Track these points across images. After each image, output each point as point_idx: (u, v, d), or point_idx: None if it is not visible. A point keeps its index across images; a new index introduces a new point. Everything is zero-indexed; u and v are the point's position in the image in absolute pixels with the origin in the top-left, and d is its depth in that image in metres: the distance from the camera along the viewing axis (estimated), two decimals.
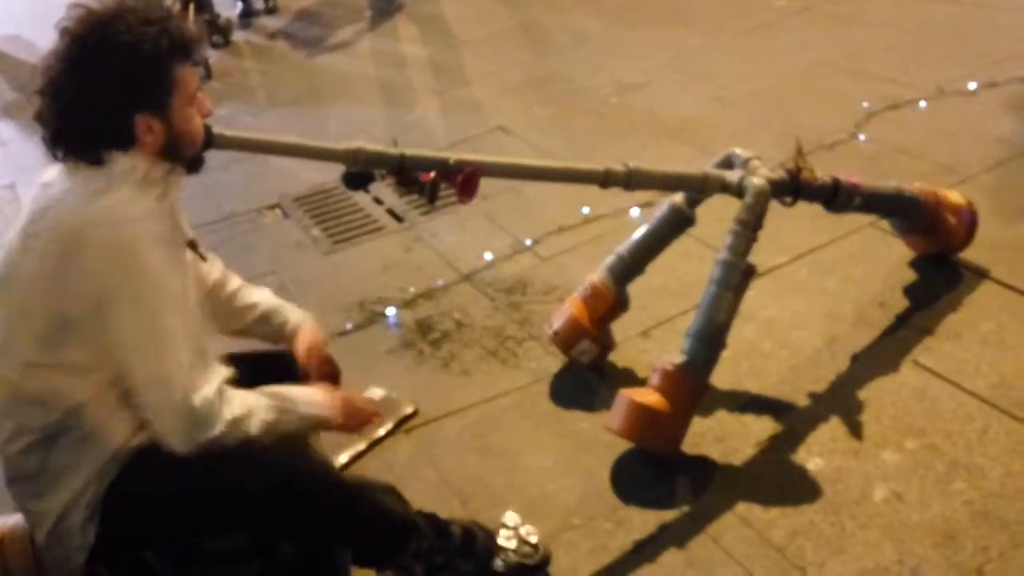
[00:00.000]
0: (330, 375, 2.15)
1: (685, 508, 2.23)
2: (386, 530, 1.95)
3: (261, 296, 2.23)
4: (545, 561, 2.13)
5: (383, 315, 3.14)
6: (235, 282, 2.21)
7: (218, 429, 1.72)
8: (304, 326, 2.18)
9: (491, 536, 2.12)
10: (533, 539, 2.13)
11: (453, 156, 2.08)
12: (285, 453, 1.80)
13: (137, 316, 1.67)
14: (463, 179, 2.05)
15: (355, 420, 2.01)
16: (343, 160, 2.05)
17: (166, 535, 1.85)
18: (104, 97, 1.68)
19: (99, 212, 1.67)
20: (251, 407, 1.78)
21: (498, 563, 2.09)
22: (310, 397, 1.91)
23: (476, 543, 2.07)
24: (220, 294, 2.15)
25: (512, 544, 2.11)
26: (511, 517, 2.18)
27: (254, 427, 1.77)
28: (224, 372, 1.84)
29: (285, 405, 1.84)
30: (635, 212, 3.42)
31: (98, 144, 1.71)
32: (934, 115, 3.81)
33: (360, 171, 2.05)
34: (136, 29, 1.66)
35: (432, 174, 2.03)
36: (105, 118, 1.70)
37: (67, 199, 1.70)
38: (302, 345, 2.13)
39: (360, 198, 3.91)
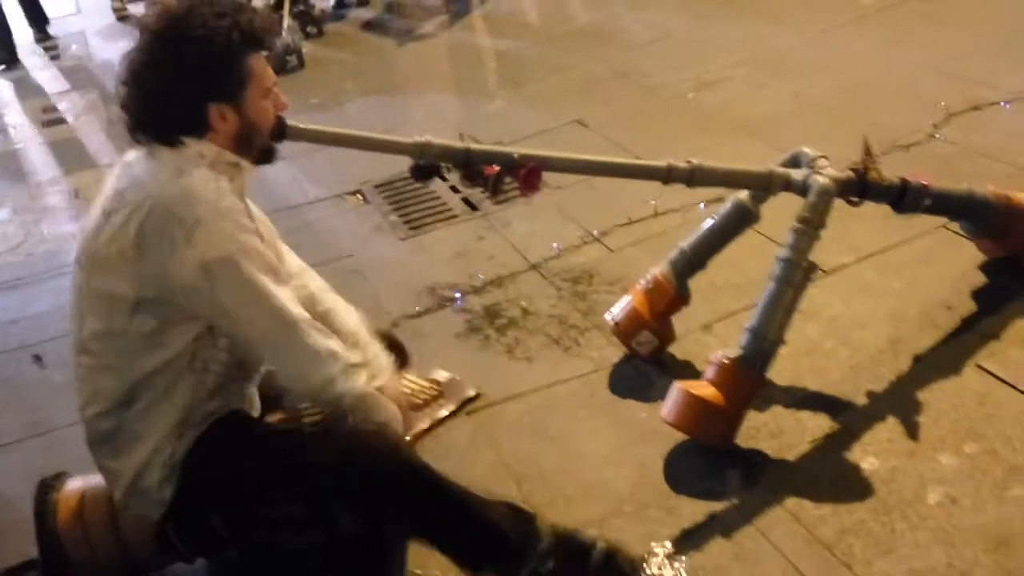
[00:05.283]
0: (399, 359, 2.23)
1: (735, 501, 2.25)
2: (476, 540, 1.95)
3: (348, 315, 2.23)
4: None
5: (453, 300, 3.24)
6: (328, 297, 2.24)
7: (333, 370, 1.84)
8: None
9: (635, 561, 2.07)
10: (678, 567, 2.09)
11: (517, 151, 2.15)
12: (375, 438, 1.88)
13: (243, 285, 1.78)
14: (526, 173, 2.12)
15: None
16: (411, 153, 2.14)
17: (241, 500, 1.94)
18: (180, 88, 1.80)
19: (185, 190, 1.77)
20: (357, 363, 1.89)
21: None
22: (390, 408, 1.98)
23: (616, 566, 2.03)
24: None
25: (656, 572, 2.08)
26: (662, 544, 2.15)
27: (358, 385, 1.87)
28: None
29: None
30: (703, 207, 3.43)
31: (175, 131, 1.83)
32: (1017, 117, 3.72)
33: (427, 164, 2.13)
34: (209, 23, 1.77)
35: (496, 168, 2.11)
36: (181, 107, 1.82)
37: (147, 179, 1.82)
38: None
39: (437, 186, 4.01)
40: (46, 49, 7.24)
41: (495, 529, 1.94)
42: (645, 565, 2.09)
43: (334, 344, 1.88)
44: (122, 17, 7.55)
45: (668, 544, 2.16)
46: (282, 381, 1.93)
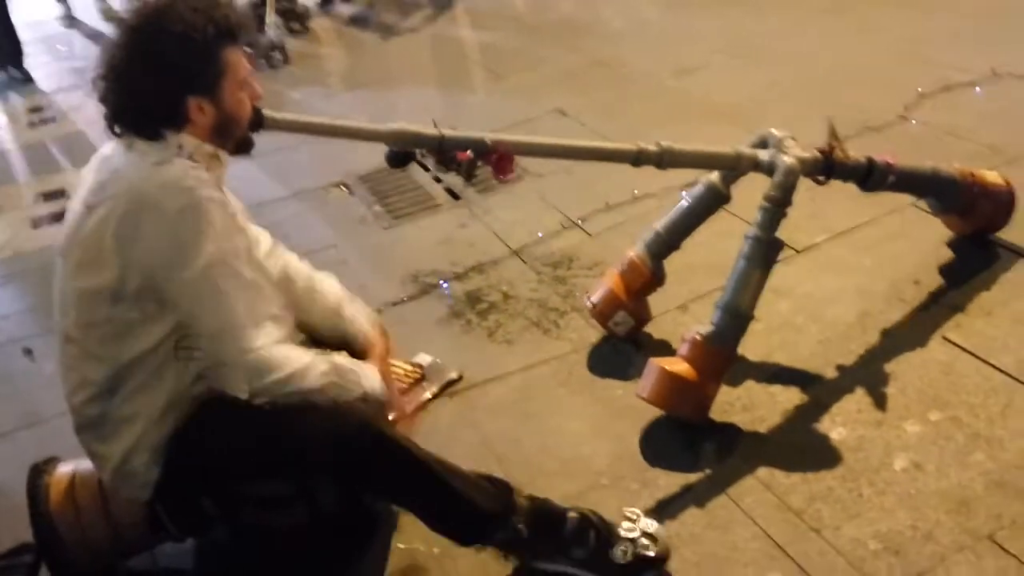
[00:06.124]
0: None
1: (709, 472, 2.32)
2: (461, 515, 2.01)
3: (330, 288, 2.30)
4: (664, 555, 2.09)
5: (436, 287, 3.30)
6: (304, 272, 2.29)
7: (276, 377, 1.83)
8: (372, 339, 2.27)
9: (610, 525, 2.10)
10: (651, 529, 2.10)
11: (489, 137, 2.21)
12: (355, 415, 1.92)
13: (206, 271, 1.80)
14: (498, 158, 2.18)
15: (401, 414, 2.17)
16: (386, 140, 2.19)
17: (227, 479, 1.98)
18: (158, 83, 1.85)
19: (168, 178, 1.82)
20: (309, 364, 1.88)
21: (617, 553, 2.06)
22: (372, 374, 2.04)
23: (591, 531, 2.07)
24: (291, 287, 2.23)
25: (633, 535, 2.08)
26: (633, 509, 2.17)
27: (311, 383, 1.87)
28: (288, 327, 1.94)
29: (346, 373, 1.96)
30: (683, 192, 3.49)
31: (154, 123, 1.88)
32: (986, 98, 3.81)
33: (402, 151, 2.19)
34: (186, 19, 1.82)
35: (469, 153, 2.17)
36: (159, 101, 1.86)
37: (130, 170, 1.86)
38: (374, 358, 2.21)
39: (421, 176, 4.08)
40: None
41: (470, 502, 1.99)
42: (620, 530, 2.10)
43: (283, 359, 1.85)
44: (109, 18, 7.57)
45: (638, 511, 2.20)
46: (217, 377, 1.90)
